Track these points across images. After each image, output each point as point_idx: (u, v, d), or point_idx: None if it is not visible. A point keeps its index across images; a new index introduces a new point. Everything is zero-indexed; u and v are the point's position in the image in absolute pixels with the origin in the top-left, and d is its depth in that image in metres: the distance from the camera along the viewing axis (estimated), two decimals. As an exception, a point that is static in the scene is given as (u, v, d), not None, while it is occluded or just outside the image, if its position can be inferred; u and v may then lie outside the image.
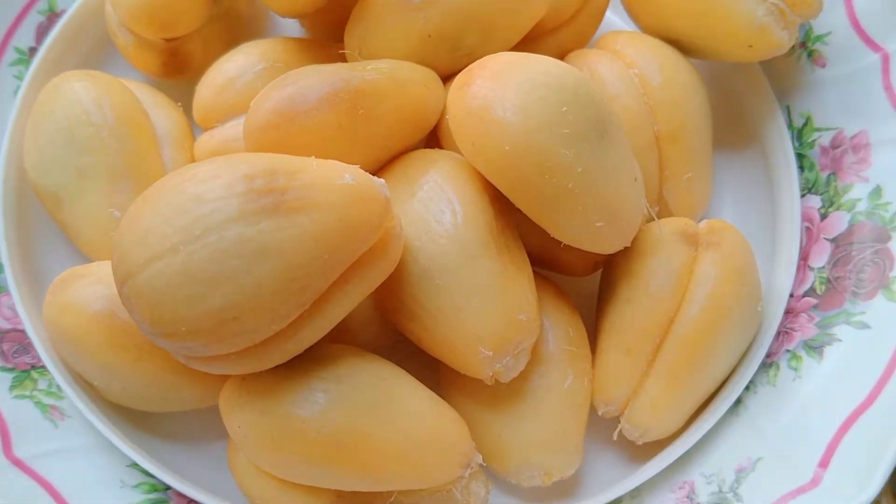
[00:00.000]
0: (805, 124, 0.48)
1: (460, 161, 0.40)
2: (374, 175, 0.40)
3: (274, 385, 0.36)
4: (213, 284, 0.32)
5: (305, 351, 0.36)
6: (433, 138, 0.44)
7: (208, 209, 0.32)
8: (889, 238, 0.42)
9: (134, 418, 0.42)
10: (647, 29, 0.48)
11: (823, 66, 0.48)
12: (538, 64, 0.38)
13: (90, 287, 0.39)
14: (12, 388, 0.41)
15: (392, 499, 0.38)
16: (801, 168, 0.48)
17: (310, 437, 0.35)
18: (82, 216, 0.42)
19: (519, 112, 0.36)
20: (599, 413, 0.41)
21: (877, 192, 0.44)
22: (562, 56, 0.48)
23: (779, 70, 0.49)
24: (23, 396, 0.41)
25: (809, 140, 0.48)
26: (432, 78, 0.42)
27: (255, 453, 0.37)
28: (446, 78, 0.44)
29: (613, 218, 0.38)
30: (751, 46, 0.45)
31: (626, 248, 0.40)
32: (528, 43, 0.47)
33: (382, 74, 0.40)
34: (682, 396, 0.40)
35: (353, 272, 0.35)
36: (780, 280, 0.45)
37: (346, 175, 0.34)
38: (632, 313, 0.41)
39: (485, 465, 0.40)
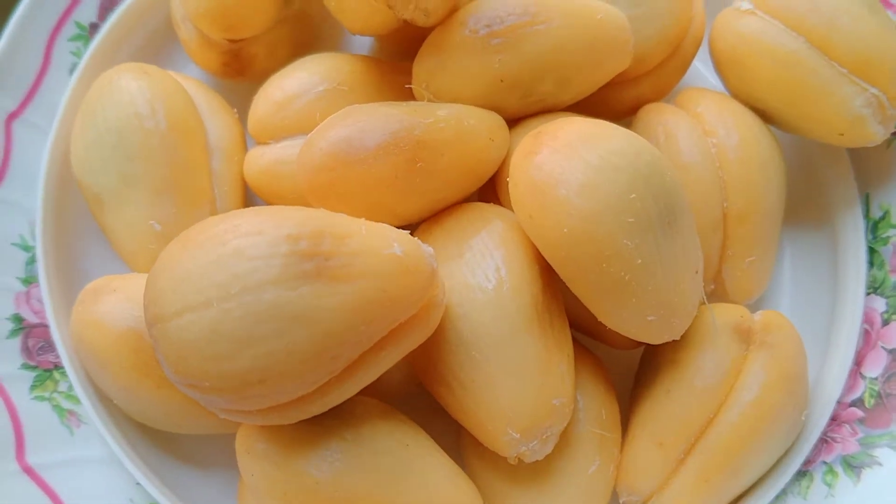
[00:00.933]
0: (883, 217, 0.46)
1: (514, 224, 0.38)
2: (423, 223, 0.39)
3: (293, 438, 0.35)
4: (243, 345, 0.30)
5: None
6: (489, 185, 0.42)
7: (248, 268, 0.31)
8: (948, 358, 0.40)
9: (149, 435, 0.42)
10: (735, 92, 0.46)
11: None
12: (612, 141, 0.36)
13: (120, 304, 0.38)
14: (33, 388, 0.40)
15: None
16: (871, 264, 0.45)
17: (322, 498, 0.34)
18: (122, 223, 0.41)
19: (583, 194, 0.34)
20: (621, 502, 0.40)
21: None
22: (638, 106, 0.46)
23: (865, 156, 0.47)
24: (42, 398, 0.40)
25: (884, 235, 0.45)
26: (498, 127, 0.40)
27: (265, 502, 0.36)
28: (513, 121, 0.42)
29: (667, 313, 0.36)
30: (841, 134, 0.43)
31: (675, 335, 0.39)
32: (606, 90, 0.44)
33: (447, 124, 0.38)
34: (707, 500, 0.39)
35: (388, 340, 0.33)
36: (830, 384, 0.43)
37: (395, 245, 0.32)
38: (671, 406, 0.39)
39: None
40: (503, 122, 0.41)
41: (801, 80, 0.42)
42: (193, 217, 0.40)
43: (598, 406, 0.40)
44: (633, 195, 0.34)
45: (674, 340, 0.39)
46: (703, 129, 0.43)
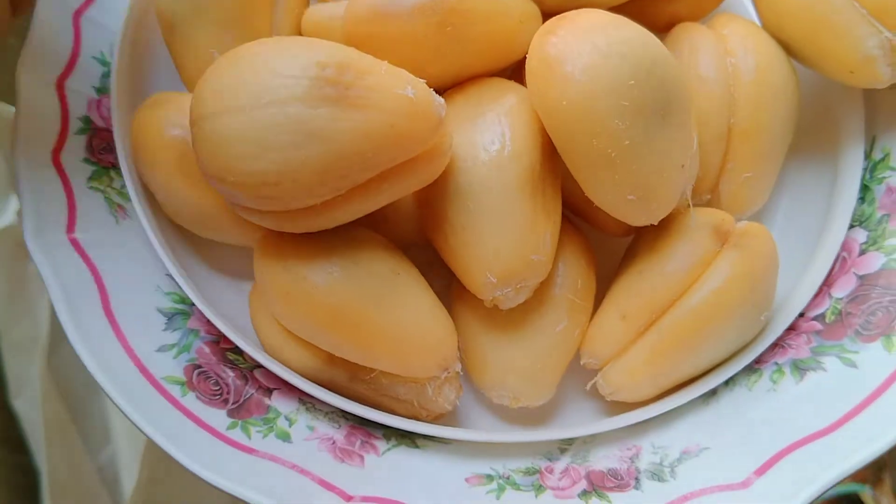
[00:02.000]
0: (882, 159, 0.48)
1: (526, 101, 0.42)
2: (446, 90, 0.43)
3: (302, 249, 0.40)
4: (264, 149, 0.35)
5: (339, 230, 0.40)
6: (518, 68, 0.46)
7: (278, 83, 0.36)
8: (911, 293, 0.43)
9: (183, 238, 0.47)
10: (765, 22, 0.48)
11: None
12: (624, 31, 0.39)
13: (173, 113, 0.43)
14: (90, 179, 0.46)
15: (373, 375, 0.42)
16: (862, 199, 0.48)
17: (316, 301, 0.40)
18: (188, 48, 0.46)
19: (586, 73, 0.38)
20: (581, 362, 0.44)
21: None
22: (673, 24, 0.49)
23: (880, 99, 0.49)
24: (97, 189, 0.46)
25: (880, 176, 0.48)
26: (532, 15, 0.44)
27: (271, 300, 0.41)
28: (556, 13, 0.46)
29: (645, 196, 0.40)
30: (852, 72, 0.45)
31: (657, 226, 0.43)
32: (644, 3, 0.48)
33: (482, -1, 0.42)
34: (658, 373, 0.43)
35: (393, 173, 0.38)
36: (799, 297, 0.46)
37: (409, 87, 0.37)
38: (639, 285, 0.43)
39: (466, 375, 0.44)
40: (538, 13, 0.44)
41: (823, 15, 0.45)
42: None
43: (574, 275, 0.44)
44: (632, 82, 0.38)
45: (655, 230, 0.43)
46: (725, 49, 0.47)
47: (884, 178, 0.48)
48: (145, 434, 0.39)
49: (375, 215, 0.41)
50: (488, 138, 0.41)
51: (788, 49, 0.48)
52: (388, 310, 0.40)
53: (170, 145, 0.43)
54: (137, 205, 0.45)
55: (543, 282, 0.43)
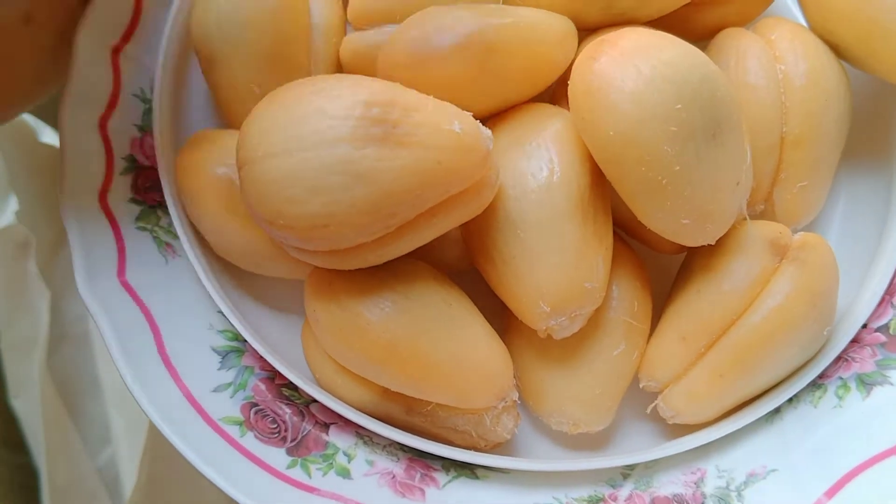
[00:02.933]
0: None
1: (571, 124, 0.41)
2: (488, 121, 0.43)
3: (355, 285, 0.40)
4: (313, 192, 0.35)
5: (389, 263, 0.40)
6: (558, 87, 0.45)
7: (325, 125, 0.35)
8: (979, 304, 0.42)
9: (233, 274, 0.47)
10: (813, 24, 0.47)
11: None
12: (667, 52, 0.38)
13: (217, 152, 0.43)
14: (137, 219, 0.46)
15: (430, 408, 0.42)
16: (924, 206, 0.47)
17: (370, 338, 0.39)
18: (227, 83, 0.46)
19: (632, 100, 0.37)
20: (641, 386, 0.44)
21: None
22: (719, 29, 0.48)
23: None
24: (144, 229, 0.46)
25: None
26: (569, 36, 0.43)
27: (322, 336, 0.41)
28: (594, 30, 0.45)
29: (701, 218, 0.39)
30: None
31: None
32: (690, 9, 0.47)
33: (517, 29, 0.41)
34: (720, 394, 0.42)
35: (441, 208, 0.38)
36: (860, 308, 0.45)
37: (456, 122, 0.36)
38: (698, 304, 0.42)
39: (522, 402, 0.44)
40: (573, 30, 0.44)
41: (874, 16, 0.43)
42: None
43: (630, 298, 0.43)
44: (679, 105, 0.37)
45: (710, 247, 0.42)
46: (774, 55, 0.45)
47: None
48: (208, 478, 0.39)
49: (422, 247, 0.41)
50: (535, 165, 0.40)
51: (838, 51, 0.46)
52: (442, 342, 0.40)
53: (215, 184, 0.43)
54: (186, 243, 0.45)
55: (600, 306, 0.42)
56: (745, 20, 0.49)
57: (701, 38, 0.49)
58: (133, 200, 0.47)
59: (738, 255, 0.42)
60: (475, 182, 0.38)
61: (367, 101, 0.36)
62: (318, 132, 0.35)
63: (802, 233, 0.43)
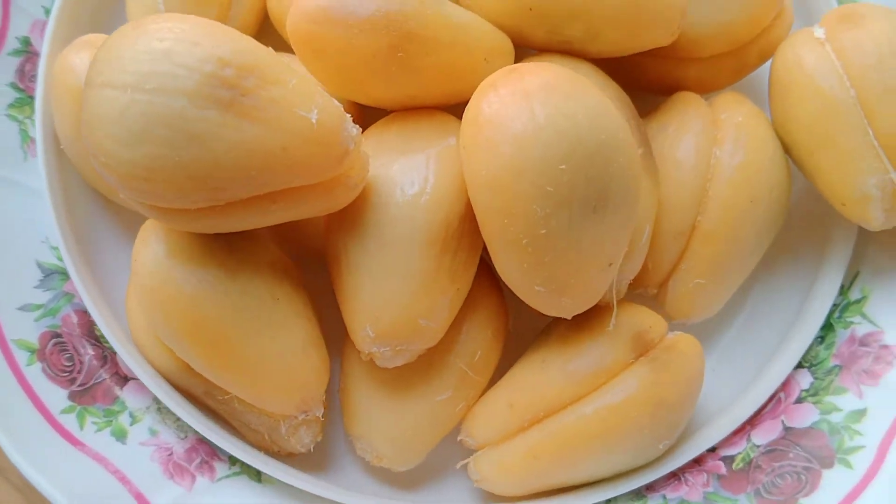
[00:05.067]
0: (858, 301, 0.43)
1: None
2: (388, 116, 0.39)
3: (181, 248, 0.37)
4: (139, 139, 0.32)
5: (230, 237, 0.37)
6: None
7: (169, 70, 0.32)
8: (830, 466, 0.38)
9: (88, 192, 0.44)
10: (774, 116, 0.43)
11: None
12: (574, 102, 0.34)
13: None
14: (10, 106, 0.43)
15: (228, 397, 0.39)
16: (822, 339, 0.43)
17: (180, 308, 0.36)
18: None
19: (513, 144, 0.33)
20: (458, 439, 0.40)
21: (859, 413, 0.40)
22: (677, 89, 0.44)
23: (878, 237, 0.44)
24: (14, 118, 0.43)
25: (849, 319, 0.43)
26: (501, 52, 0.39)
27: (137, 290, 0.38)
28: (540, 51, 0.41)
29: (557, 290, 0.36)
30: (843, 204, 0.40)
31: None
32: (649, 58, 0.43)
33: (447, 27, 0.37)
34: (531, 474, 0.39)
35: (284, 196, 0.34)
36: (717, 428, 0.42)
37: (315, 110, 0.33)
38: (538, 376, 0.39)
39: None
40: (510, 49, 0.40)
41: (831, 133, 0.40)
42: (197, 11, 0.41)
43: (475, 347, 0.40)
44: (563, 166, 0.33)
45: (574, 319, 0.39)
46: (715, 137, 0.41)
47: (852, 322, 0.43)
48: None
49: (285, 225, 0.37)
50: (409, 179, 0.37)
51: (789, 151, 0.42)
52: (253, 337, 0.37)
53: (79, 94, 0.39)
54: (41, 146, 0.42)
55: (439, 345, 0.39)
56: (706, 88, 0.45)
57: (658, 92, 0.45)
58: (12, 85, 0.44)
59: (595, 337, 0.39)
60: (329, 179, 0.34)
61: (223, 58, 0.32)
62: (159, 76, 0.31)
63: (680, 334, 0.40)
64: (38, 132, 0.42)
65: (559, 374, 0.38)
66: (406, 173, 0.37)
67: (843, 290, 0.44)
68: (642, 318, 0.39)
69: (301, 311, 0.38)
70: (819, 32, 0.41)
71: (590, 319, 0.39)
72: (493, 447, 0.39)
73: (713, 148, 0.41)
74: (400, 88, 0.38)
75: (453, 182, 0.37)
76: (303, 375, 0.38)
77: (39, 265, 0.41)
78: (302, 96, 0.33)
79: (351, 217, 0.37)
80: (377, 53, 0.36)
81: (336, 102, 0.34)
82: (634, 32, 0.40)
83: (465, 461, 0.40)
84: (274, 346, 0.37)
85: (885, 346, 0.41)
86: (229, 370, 0.37)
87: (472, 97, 0.36)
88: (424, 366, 0.39)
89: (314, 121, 0.33)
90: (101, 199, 0.44)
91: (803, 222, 0.46)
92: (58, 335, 0.40)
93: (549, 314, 0.37)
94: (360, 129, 0.34)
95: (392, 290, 0.36)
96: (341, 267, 0.38)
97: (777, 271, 0.46)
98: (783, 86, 0.42)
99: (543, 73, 0.35)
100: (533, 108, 0.34)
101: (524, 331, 0.42)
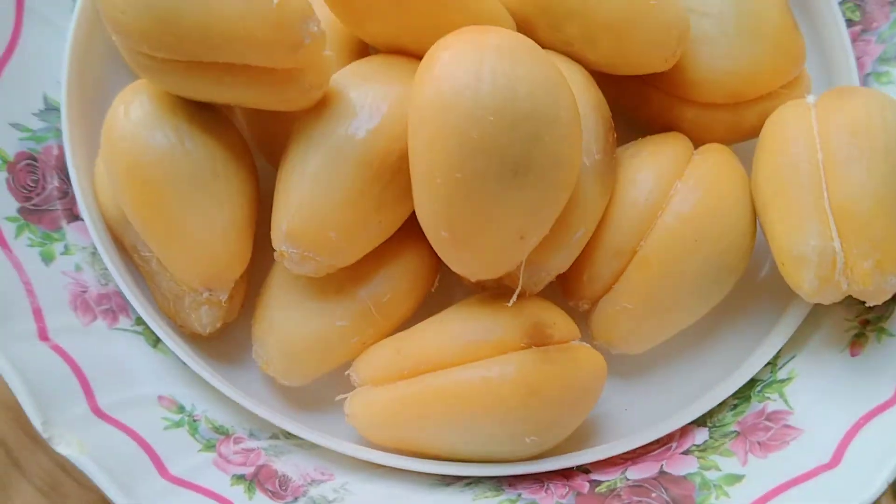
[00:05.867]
0: (784, 381, 0.42)
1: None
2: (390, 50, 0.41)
3: (151, 104, 0.40)
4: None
5: (202, 107, 0.40)
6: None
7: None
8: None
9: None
10: (752, 174, 0.42)
11: (856, 355, 0.41)
12: (519, 68, 0.35)
13: None
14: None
15: (148, 255, 0.41)
16: (734, 407, 0.42)
17: (126, 149, 0.39)
18: None
19: (451, 86, 0.34)
20: (345, 373, 0.41)
21: (735, 478, 0.38)
22: (671, 128, 0.44)
23: (826, 324, 0.43)
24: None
25: (767, 394, 0.42)
26: (501, 22, 0.41)
27: (103, 133, 0.40)
28: (544, 47, 0.42)
29: (461, 241, 0.36)
30: (782, 264, 0.39)
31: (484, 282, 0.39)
32: (650, 89, 0.44)
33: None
34: (392, 422, 0.39)
35: (241, 72, 0.36)
36: (587, 455, 0.41)
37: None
38: (431, 331, 0.40)
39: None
40: (511, 27, 0.41)
41: (786, 187, 0.39)
42: None
43: (387, 290, 0.41)
44: (492, 118, 0.34)
45: (488, 294, 0.40)
46: (681, 170, 0.41)
47: (768, 398, 0.41)
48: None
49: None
50: (364, 103, 0.38)
51: (756, 208, 0.42)
52: (182, 200, 0.39)
53: None
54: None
55: (353, 276, 0.41)
56: (699, 135, 0.44)
57: (656, 128, 0.45)
58: None
59: (494, 312, 0.39)
60: (284, 71, 0.36)
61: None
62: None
63: (585, 346, 0.40)
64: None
65: (449, 335, 0.39)
66: (363, 97, 0.39)
67: (774, 369, 0.43)
68: (551, 315, 0.39)
69: (237, 195, 0.40)
70: (811, 99, 0.41)
71: (500, 298, 0.39)
72: (371, 387, 0.40)
73: (677, 181, 0.41)
74: (390, 27, 0.40)
75: (403, 119, 0.38)
76: (216, 254, 0.40)
77: (45, 98, 0.45)
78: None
79: (304, 122, 0.39)
80: None
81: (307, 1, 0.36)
82: (629, 48, 0.41)
83: (345, 395, 0.41)
84: (198, 216, 0.39)
85: (788, 426, 0.40)
86: (152, 223, 0.39)
87: (439, 40, 0.37)
88: (334, 289, 0.41)
89: (274, 3, 0.35)
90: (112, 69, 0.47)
91: (768, 292, 0.45)
92: (33, 158, 0.44)
93: (454, 269, 0.38)
94: (324, 31, 0.36)
95: (314, 195, 0.38)
96: (284, 166, 0.39)
97: (721, 333, 0.45)
98: (762, 142, 0.41)
99: (506, 37, 0.36)
100: (482, 61, 0.35)
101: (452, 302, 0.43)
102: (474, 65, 0.35)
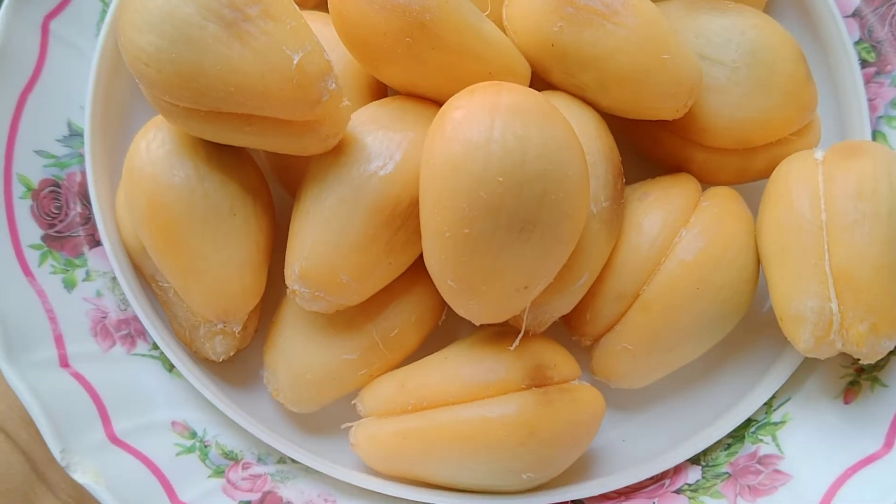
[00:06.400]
0: (777, 424, 0.43)
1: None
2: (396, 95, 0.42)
3: (172, 142, 0.41)
4: (149, 29, 0.36)
5: (222, 147, 0.41)
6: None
7: (192, -19, 0.36)
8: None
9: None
10: (757, 224, 0.43)
11: (849, 402, 0.42)
12: (531, 129, 0.36)
13: None
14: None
15: (167, 285, 0.43)
16: (728, 446, 0.44)
17: (148, 187, 0.40)
18: None
19: (463, 146, 0.36)
20: (352, 402, 0.43)
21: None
22: (682, 169, 0.45)
23: (821, 369, 0.44)
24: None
25: (761, 436, 0.43)
26: (514, 75, 0.41)
27: (125, 167, 0.42)
28: (557, 89, 0.44)
29: (467, 291, 0.38)
30: (781, 319, 0.41)
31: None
32: (663, 132, 0.45)
33: (462, 31, 0.39)
34: (397, 455, 0.41)
35: (259, 122, 0.38)
36: (576, 490, 0.42)
37: (299, 53, 0.36)
38: (435, 368, 0.41)
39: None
40: (525, 74, 0.42)
41: (789, 246, 0.40)
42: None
43: (395, 325, 0.43)
44: (501, 178, 0.35)
45: (493, 333, 0.41)
46: (687, 218, 0.42)
47: (761, 440, 0.43)
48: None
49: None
50: (379, 150, 0.40)
51: (761, 259, 0.43)
52: (200, 237, 0.40)
53: None
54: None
55: (362, 311, 0.42)
56: (708, 177, 0.45)
57: (665, 168, 0.46)
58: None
59: (497, 353, 0.41)
60: (302, 122, 0.38)
61: (240, -16, 0.36)
62: (181, -17, 0.36)
63: (586, 385, 0.41)
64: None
65: (453, 373, 0.40)
66: (378, 145, 0.40)
67: (769, 410, 0.44)
68: (552, 356, 0.41)
69: (253, 233, 0.42)
70: (819, 154, 0.41)
71: (504, 336, 0.41)
72: (376, 419, 0.42)
73: (682, 228, 0.42)
74: (404, 73, 0.41)
75: (416, 167, 0.39)
76: (231, 289, 0.41)
77: (70, 124, 0.46)
78: (293, 38, 0.36)
79: (320, 164, 0.40)
80: (388, 33, 0.39)
81: (326, 57, 0.37)
82: (641, 99, 0.41)
83: (351, 424, 0.43)
84: (215, 252, 0.40)
85: (778, 472, 0.41)
86: (170, 258, 0.41)
87: (454, 95, 0.38)
88: (344, 323, 0.42)
89: (295, 61, 0.36)
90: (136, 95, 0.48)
91: (767, 333, 0.46)
92: (56, 185, 0.45)
93: (459, 314, 0.39)
94: (340, 88, 0.37)
95: (326, 240, 0.39)
96: (298, 207, 0.41)
97: (720, 370, 0.46)
98: (768, 192, 0.42)
99: (519, 96, 0.37)
100: (493, 121, 0.36)
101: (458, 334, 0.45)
102: (486, 126, 0.36)
